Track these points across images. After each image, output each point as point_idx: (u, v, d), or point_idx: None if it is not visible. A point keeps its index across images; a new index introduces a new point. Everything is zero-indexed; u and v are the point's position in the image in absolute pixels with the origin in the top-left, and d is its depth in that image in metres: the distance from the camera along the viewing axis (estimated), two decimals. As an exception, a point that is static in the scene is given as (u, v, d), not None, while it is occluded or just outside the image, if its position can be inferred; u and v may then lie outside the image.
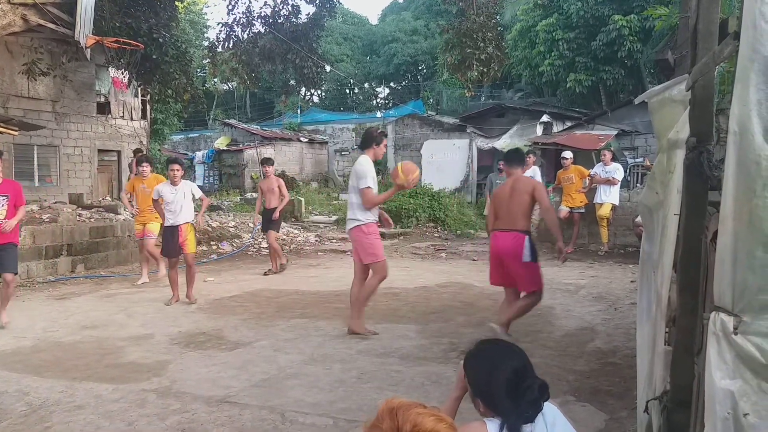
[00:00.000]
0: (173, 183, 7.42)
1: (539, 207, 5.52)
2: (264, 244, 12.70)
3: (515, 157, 5.79)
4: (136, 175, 9.40)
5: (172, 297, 7.33)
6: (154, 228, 8.75)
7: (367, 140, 5.80)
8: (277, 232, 9.76)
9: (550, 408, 1.97)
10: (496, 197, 5.56)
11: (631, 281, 8.09)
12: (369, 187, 5.57)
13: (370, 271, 5.79)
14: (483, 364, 2.01)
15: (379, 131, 6.05)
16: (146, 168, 8.93)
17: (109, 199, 15.43)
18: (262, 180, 10.28)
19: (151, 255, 8.86)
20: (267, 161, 9.97)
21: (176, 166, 7.50)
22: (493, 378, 1.93)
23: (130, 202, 9.29)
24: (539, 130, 20.24)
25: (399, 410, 1.46)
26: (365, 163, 5.71)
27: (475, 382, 2.01)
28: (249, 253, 11.98)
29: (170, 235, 7.39)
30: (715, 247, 1.81)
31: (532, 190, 5.34)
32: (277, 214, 9.55)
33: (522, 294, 5.40)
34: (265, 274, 9.38)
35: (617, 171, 11.02)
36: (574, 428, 2.03)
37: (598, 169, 11.30)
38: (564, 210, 11.40)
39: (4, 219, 5.95)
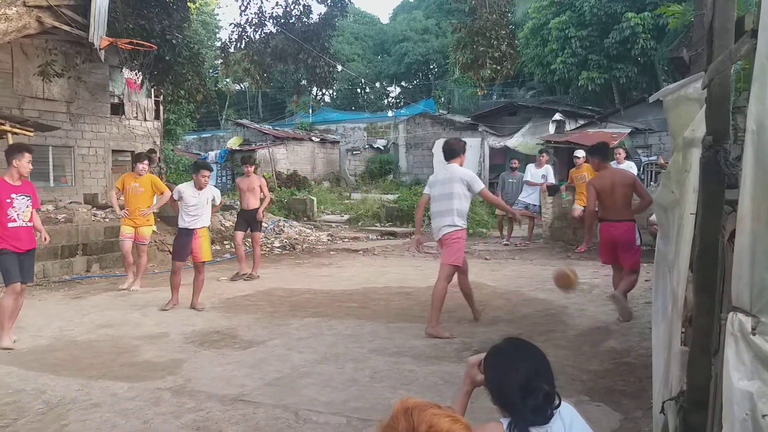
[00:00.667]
0: (199, 187, 7.23)
1: (639, 199, 6.21)
2: (277, 243, 12.75)
3: (604, 151, 6.55)
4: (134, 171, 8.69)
5: (171, 300, 7.13)
6: (147, 232, 8.53)
7: (455, 151, 6.04)
8: (261, 232, 9.55)
9: (567, 409, 1.97)
10: (600, 192, 6.14)
11: (646, 280, 8.02)
12: (484, 187, 6.01)
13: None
14: (501, 362, 2.02)
15: (462, 142, 6.33)
16: (145, 166, 8.50)
17: (123, 199, 15.56)
18: (241, 178, 9.53)
19: (130, 262, 8.46)
20: (248, 159, 9.52)
21: (207, 172, 7.35)
22: (507, 378, 1.95)
23: (119, 203, 8.64)
24: (551, 128, 20.14)
25: (414, 411, 1.46)
26: (463, 168, 6.01)
27: (490, 378, 2.04)
28: (261, 252, 12.02)
29: (185, 238, 7.20)
30: (732, 246, 1.79)
31: (633, 183, 6.17)
32: (261, 215, 9.24)
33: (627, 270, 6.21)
34: (247, 278, 8.98)
35: (631, 169, 10.93)
36: (592, 429, 2.02)
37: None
38: (577, 209, 11.32)
39: (29, 221, 5.71)
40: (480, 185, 5.91)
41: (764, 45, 1.49)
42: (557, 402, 1.91)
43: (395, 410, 1.49)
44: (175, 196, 7.37)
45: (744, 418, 1.52)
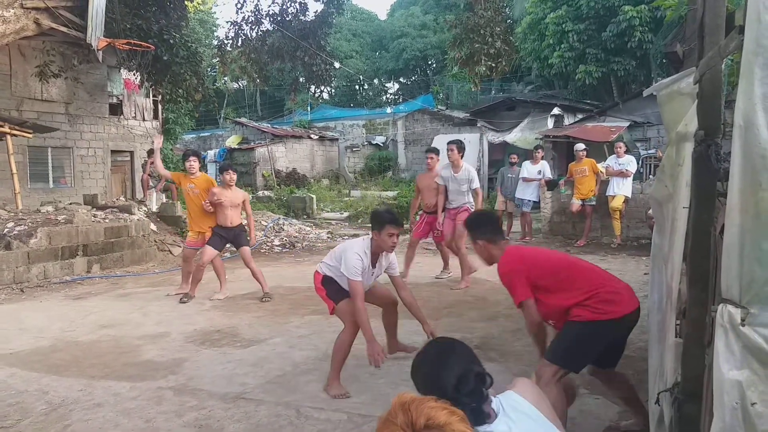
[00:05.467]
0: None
1: None
2: (277, 242, 12.79)
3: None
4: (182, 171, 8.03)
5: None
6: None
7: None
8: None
9: (509, 398, 1.99)
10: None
11: (645, 273, 8.05)
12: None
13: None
14: (426, 372, 1.99)
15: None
16: (194, 163, 7.65)
17: (123, 199, 15.59)
18: (220, 188, 7.66)
19: (189, 272, 7.78)
20: (228, 165, 7.87)
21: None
22: (439, 381, 1.92)
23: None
24: (550, 123, 20.17)
25: (412, 404, 1.48)
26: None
27: (424, 391, 1.93)
28: (261, 250, 12.06)
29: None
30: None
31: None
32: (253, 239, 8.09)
33: None
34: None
35: (630, 163, 10.98)
36: (542, 408, 2.04)
37: (611, 162, 11.26)
38: (576, 203, 11.37)
39: None
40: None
41: (751, 41, 1.51)
42: (489, 382, 1.92)
43: (393, 405, 1.51)
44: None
45: (734, 407, 1.55)
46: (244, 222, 7.90)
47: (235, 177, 7.67)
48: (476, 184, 8.05)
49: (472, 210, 7.70)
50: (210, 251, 7.43)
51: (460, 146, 7.99)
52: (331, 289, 4.48)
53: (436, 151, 8.37)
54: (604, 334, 3.25)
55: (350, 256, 4.26)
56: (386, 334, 5.06)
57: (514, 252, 3.56)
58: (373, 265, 4.49)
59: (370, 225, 4.53)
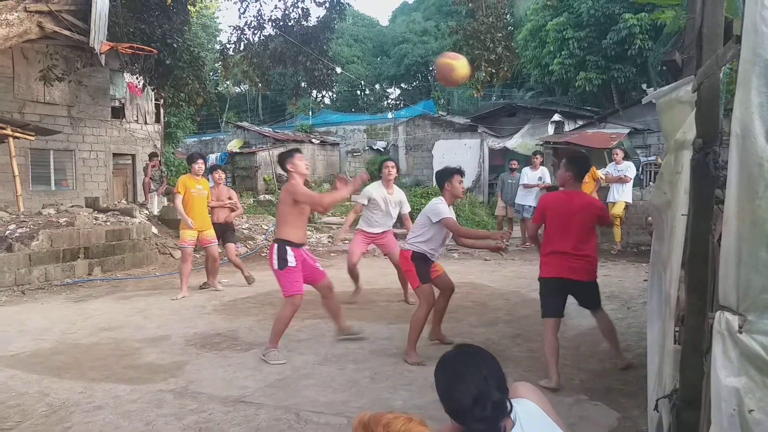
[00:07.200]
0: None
1: None
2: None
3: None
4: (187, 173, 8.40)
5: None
6: (212, 234, 8.24)
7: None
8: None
9: (523, 405, 1.96)
10: None
11: (644, 280, 8.07)
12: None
13: None
14: (449, 372, 1.94)
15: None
16: (203, 165, 8.06)
17: (125, 202, 15.61)
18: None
19: (188, 272, 8.14)
20: (217, 165, 9.09)
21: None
22: (454, 388, 1.88)
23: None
24: (551, 129, 20.18)
25: (371, 420, 1.52)
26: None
27: (439, 389, 1.95)
28: (263, 254, 12.08)
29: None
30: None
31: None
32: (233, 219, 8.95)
33: None
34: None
35: (629, 169, 11.00)
36: (555, 419, 2.03)
37: (610, 168, 11.28)
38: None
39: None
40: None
41: (748, 51, 1.53)
42: (509, 409, 1.86)
43: (354, 426, 1.55)
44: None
45: (732, 413, 1.56)
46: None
47: (223, 176, 8.87)
48: (408, 208, 7.46)
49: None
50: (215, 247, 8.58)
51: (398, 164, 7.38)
52: (420, 266, 5.13)
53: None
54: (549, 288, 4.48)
55: (436, 205, 5.12)
56: (432, 319, 5.43)
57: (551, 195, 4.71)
58: None
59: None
